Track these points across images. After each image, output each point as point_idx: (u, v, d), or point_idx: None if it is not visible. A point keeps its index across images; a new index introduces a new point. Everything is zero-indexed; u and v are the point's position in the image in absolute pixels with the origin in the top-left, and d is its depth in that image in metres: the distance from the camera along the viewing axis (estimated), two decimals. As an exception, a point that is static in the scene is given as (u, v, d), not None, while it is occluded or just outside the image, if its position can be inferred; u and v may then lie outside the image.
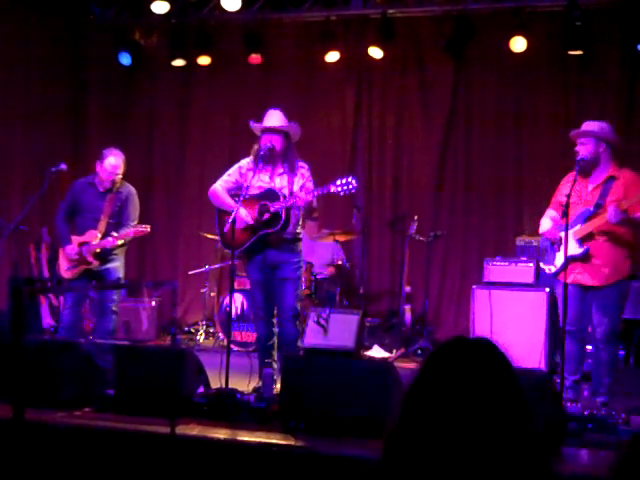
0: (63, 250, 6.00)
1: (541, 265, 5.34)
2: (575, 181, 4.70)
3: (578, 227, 4.87)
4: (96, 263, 5.90)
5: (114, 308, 6.03)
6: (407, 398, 1.48)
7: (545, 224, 5.16)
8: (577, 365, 5.01)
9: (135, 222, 6.01)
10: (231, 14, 7.98)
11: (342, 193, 5.02)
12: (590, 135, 4.95)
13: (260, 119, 5.39)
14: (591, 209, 4.86)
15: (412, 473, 1.40)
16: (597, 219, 4.79)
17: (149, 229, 5.99)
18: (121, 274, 6.10)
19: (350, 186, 4.98)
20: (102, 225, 5.93)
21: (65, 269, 5.99)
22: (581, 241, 4.85)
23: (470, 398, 1.41)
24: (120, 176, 6.04)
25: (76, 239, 5.95)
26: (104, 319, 6.03)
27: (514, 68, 7.82)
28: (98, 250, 5.86)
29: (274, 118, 5.34)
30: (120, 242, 5.89)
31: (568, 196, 4.58)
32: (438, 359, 1.49)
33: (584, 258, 4.83)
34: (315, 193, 5.10)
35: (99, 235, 5.89)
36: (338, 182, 5.01)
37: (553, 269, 5.10)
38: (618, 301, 4.91)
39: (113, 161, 5.97)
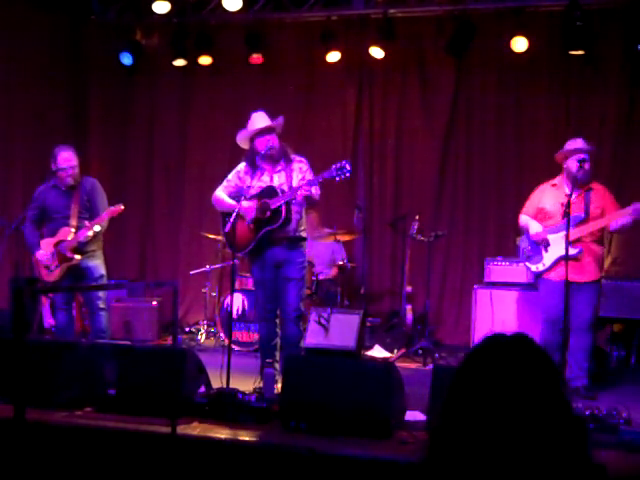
0: (34, 257, 6.02)
1: (527, 264, 5.74)
2: (572, 194, 5.22)
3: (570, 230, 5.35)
4: (77, 258, 5.92)
5: (102, 305, 6.08)
6: (449, 398, 1.48)
7: (535, 226, 5.66)
8: (551, 353, 5.09)
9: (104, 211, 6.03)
10: (232, 14, 7.98)
11: (337, 178, 5.00)
12: (591, 152, 5.56)
13: (245, 127, 5.42)
14: (582, 215, 5.44)
15: (457, 470, 1.40)
16: (589, 225, 5.43)
17: (122, 207, 5.95)
18: (103, 271, 6.13)
19: (344, 170, 4.97)
20: (74, 221, 5.95)
21: (47, 273, 5.99)
22: (572, 243, 5.30)
23: (516, 395, 1.40)
24: (77, 169, 6.03)
25: (50, 241, 5.98)
26: (94, 318, 6.10)
27: (515, 68, 7.82)
28: (75, 244, 5.88)
29: (262, 119, 5.37)
30: (97, 228, 5.87)
31: (569, 202, 4.98)
32: (479, 356, 1.48)
33: (574, 257, 5.36)
34: (313, 182, 5.11)
35: (73, 230, 5.92)
36: (333, 167, 5.01)
37: (542, 267, 5.60)
38: (599, 294, 5.60)
39: (66, 155, 5.96)
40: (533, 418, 1.39)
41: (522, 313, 6.63)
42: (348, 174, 4.99)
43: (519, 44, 7.48)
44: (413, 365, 6.61)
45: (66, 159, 5.93)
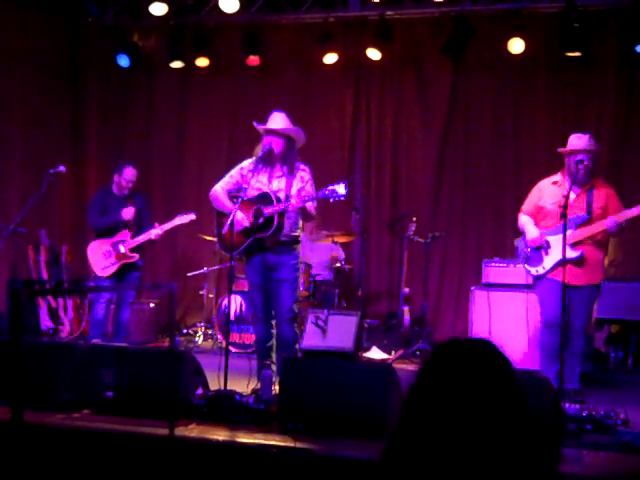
0: (115, 239, 6.50)
1: (526, 267, 5.54)
2: (569, 194, 5.03)
3: (570, 232, 5.12)
4: (136, 256, 6.51)
5: (130, 301, 6.78)
6: (407, 400, 1.49)
7: (533, 231, 5.44)
8: (557, 356, 5.07)
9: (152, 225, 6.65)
10: (229, 15, 7.99)
11: (332, 199, 4.98)
12: (591, 152, 5.25)
13: (264, 120, 5.38)
14: (585, 216, 5.24)
15: (413, 474, 1.40)
16: (592, 227, 5.21)
17: (194, 216, 6.61)
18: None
19: (339, 193, 4.94)
20: (131, 225, 6.55)
21: (102, 268, 6.49)
22: (573, 245, 5.20)
23: (470, 399, 1.41)
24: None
25: (107, 240, 6.51)
26: (123, 310, 6.67)
27: (512, 69, 7.83)
28: (135, 245, 6.50)
29: (276, 121, 5.32)
30: (159, 232, 6.54)
31: (566, 203, 4.86)
32: (436, 361, 1.49)
33: (575, 261, 5.20)
34: (307, 199, 5.08)
35: (131, 233, 6.53)
36: (329, 188, 4.97)
37: (542, 270, 5.39)
38: (595, 298, 5.47)
39: (132, 172, 6.60)
40: (488, 421, 1.40)
41: (519, 314, 6.62)
42: (343, 198, 4.98)
43: (516, 45, 7.49)
44: (411, 367, 6.61)
45: (131, 174, 6.60)
